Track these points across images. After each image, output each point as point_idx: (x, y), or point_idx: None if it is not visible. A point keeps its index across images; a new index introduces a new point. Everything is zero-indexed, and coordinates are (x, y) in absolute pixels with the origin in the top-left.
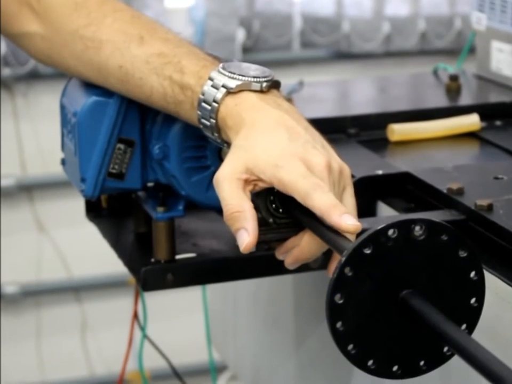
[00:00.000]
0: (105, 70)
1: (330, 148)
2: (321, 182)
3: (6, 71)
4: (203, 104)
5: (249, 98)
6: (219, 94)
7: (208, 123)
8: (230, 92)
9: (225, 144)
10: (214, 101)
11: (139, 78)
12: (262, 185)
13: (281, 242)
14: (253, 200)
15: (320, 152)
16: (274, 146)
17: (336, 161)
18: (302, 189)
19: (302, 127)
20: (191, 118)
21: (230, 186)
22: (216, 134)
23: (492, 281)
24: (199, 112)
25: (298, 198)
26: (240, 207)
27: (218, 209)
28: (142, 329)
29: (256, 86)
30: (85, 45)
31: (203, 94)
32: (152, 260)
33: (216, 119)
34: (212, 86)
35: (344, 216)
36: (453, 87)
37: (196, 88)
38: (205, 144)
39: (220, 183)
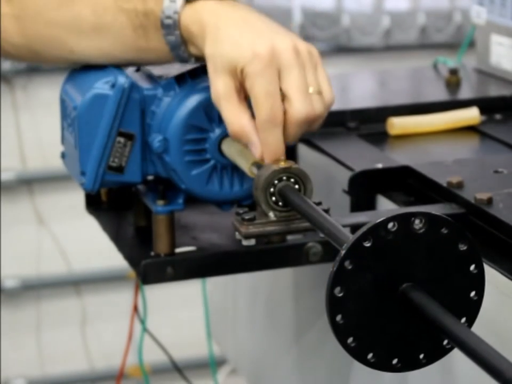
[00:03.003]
0: (79, 21)
1: (294, 34)
2: (278, 110)
3: (6, 65)
4: (165, 21)
5: (207, 5)
6: (177, 5)
7: (173, 38)
8: (187, 1)
9: (193, 59)
10: (175, 13)
11: (111, 20)
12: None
13: (281, 236)
14: (252, 194)
15: (285, 36)
16: (243, 39)
17: (303, 43)
18: (259, 115)
19: (263, 20)
20: (159, 44)
21: (228, 104)
22: (183, 48)
23: (491, 274)
24: (163, 31)
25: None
26: (239, 124)
27: (218, 203)
28: (142, 322)
29: None
30: (58, 2)
31: (163, 12)
32: (152, 253)
33: (180, 30)
34: (170, 1)
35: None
36: (453, 80)
37: (156, 10)
38: (205, 138)
39: (219, 104)
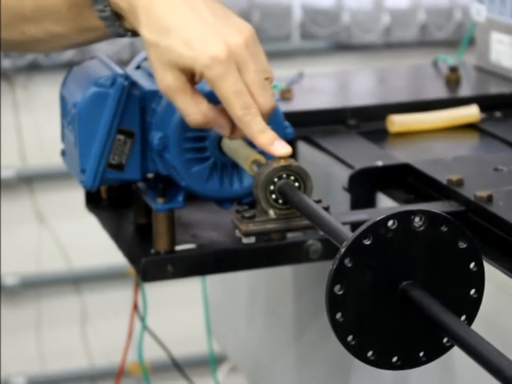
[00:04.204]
0: (22, 4)
1: (231, 13)
2: (251, 103)
3: (6, 62)
4: None
5: None
6: None
7: (106, 14)
8: None
9: (129, 33)
10: None
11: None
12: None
13: (281, 234)
14: (252, 192)
15: (233, 27)
16: (192, 37)
17: (244, 27)
18: (235, 113)
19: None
20: (96, 22)
21: (183, 96)
22: (117, 23)
23: (491, 272)
24: (95, 7)
25: (232, 116)
26: (201, 112)
27: (218, 200)
28: (142, 320)
29: None
30: None
31: None
32: (152, 250)
33: (109, 5)
34: None
35: (275, 143)
36: (453, 78)
37: None
38: (205, 135)
39: (172, 97)
